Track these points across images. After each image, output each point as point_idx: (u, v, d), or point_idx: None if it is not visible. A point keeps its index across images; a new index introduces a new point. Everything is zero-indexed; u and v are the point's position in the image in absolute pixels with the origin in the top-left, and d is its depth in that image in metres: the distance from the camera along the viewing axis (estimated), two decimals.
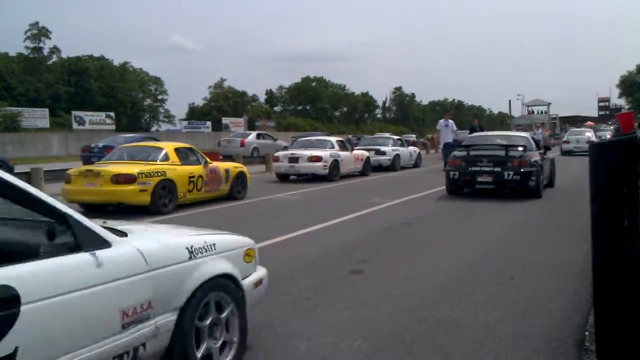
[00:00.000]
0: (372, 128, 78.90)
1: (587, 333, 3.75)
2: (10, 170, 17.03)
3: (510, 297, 4.67)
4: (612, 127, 43.73)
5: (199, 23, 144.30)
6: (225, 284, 3.22)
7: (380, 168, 19.37)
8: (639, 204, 2.64)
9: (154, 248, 2.81)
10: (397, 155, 20.34)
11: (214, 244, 3.24)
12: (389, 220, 8.75)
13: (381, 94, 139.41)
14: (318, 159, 15.75)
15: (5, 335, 2.01)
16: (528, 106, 79.84)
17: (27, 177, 12.89)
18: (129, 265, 2.61)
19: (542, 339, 3.74)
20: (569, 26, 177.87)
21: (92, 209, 10.10)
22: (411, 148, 23.05)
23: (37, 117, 44.17)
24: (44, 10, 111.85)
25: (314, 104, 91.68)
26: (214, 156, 15.26)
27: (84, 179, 9.67)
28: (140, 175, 9.46)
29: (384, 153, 19.88)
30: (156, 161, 10.14)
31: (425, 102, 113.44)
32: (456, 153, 12.12)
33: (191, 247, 3.05)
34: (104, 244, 2.55)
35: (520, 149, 11.46)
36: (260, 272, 3.76)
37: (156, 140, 17.16)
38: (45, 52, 64.23)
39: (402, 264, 5.91)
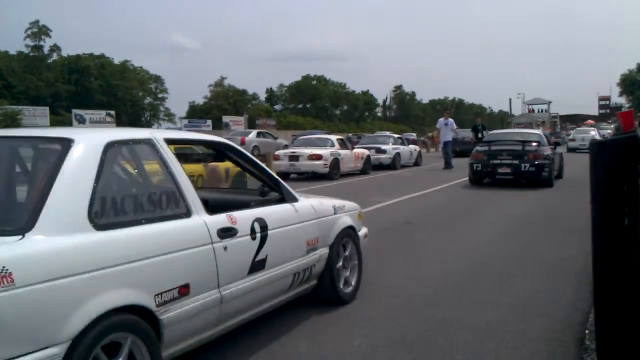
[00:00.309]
0: (373, 126, 78.85)
1: (587, 331, 3.74)
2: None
3: (510, 296, 4.67)
4: (612, 126, 43.78)
5: (200, 21, 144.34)
6: (350, 232, 4.63)
7: (380, 166, 19.37)
8: (639, 203, 2.64)
9: (316, 204, 4.29)
10: (398, 154, 20.33)
11: (344, 206, 4.69)
12: (389, 219, 8.75)
13: (381, 93, 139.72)
14: (318, 157, 15.74)
15: (262, 247, 3.47)
16: (528, 105, 79.72)
17: None
18: (308, 212, 4.09)
19: (542, 338, 3.73)
20: (569, 25, 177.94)
21: None
22: (411, 146, 23.05)
23: (38, 115, 44.12)
24: (44, 9, 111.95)
25: (315, 102, 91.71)
26: None
27: None
28: None
29: (384, 151, 19.88)
30: None
31: (425, 100, 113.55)
32: (479, 148, 13.72)
33: (334, 206, 4.51)
34: (296, 200, 4.04)
35: (535, 144, 12.95)
36: (365, 228, 5.07)
37: None
38: (46, 50, 64.34)
39: (402, 262, 5.91)
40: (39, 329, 2.11)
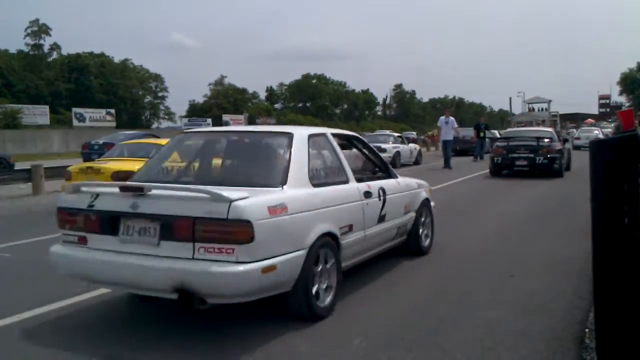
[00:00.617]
0: (373, 125, 78.84)
1: (587, 330, 3.75)
2: (10, 167, 17.06)
3: (510, 295, 4.67)
4: (612, 125, 43.88)
5: (199, 20, 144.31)
6: (427, 202, 6.27)
7: None
8: (639, 202, 2.64)
9: (408, 181, 5.99)
10: (398, 153, 20.32)
11: (422, 183, 6.36)
12: None
13: (382, 91, 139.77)
14: None
15: (384, 206, 5.03)
16: (528, 103, 79.59)
17: (27, 174, 12.93)
18: (405, 186, 5.77)
19: (542, 337, 3.74)
20: (570, 23, 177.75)
21: None
22: (412, 145, 23.04)
23: (38, 114, 44.18)
24: (44, 7, 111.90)
25: (315, 101, 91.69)
26: None
27: (84, 176, 9.66)
28: None
29: (384, 150, 19.81)
30: None
31: (425, 99, 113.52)
32: (499, 143, 16.18)
33: (417, 183, 6.21)
34: (397, 177, 5.73)
35: (547, 140, 15.16)
36: (433, 202, 6.53)
37: (157, 137, 17.16)
38: (46, 49, 64.37)
39: (401, 261, 5.91)
40: (295, 238, 3.82)
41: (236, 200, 3.47)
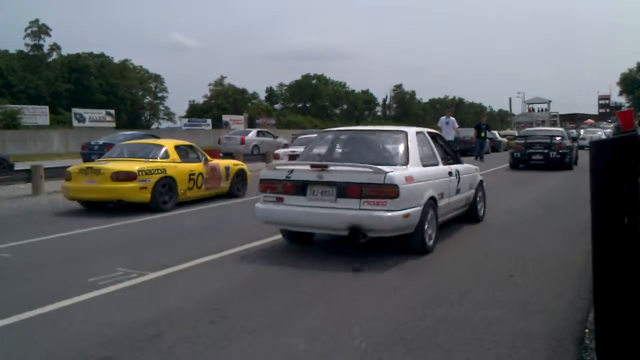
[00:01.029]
0: (373, 125, 78.81)
1: (587, 330, 3.75)
2: (10, 167, 17.05)
3: (510, 295, 4.67)
4: (612, 125, 44.00)
5: (199, 20, 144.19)
6: (482, 182, 8.39)
7: None
8: (639, 202, 2.64)
9: (470, 166, 8.27)
10: None
11: (477, 168, 8.55)
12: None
13: (381, 92, 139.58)
14: None
15: (459, 184, 7.20)
16: (528, 104, 79.63)
17: (27, 174, 12.93)
18: (469, 169, 7.95)
19: (542, 337, 3.74)
20: (569, 24, 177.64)
21: (92, 207, 10.10)
22: None
23: (37, 114, 44.08)
24: (44, 8, 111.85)
25: (314, 101, 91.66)
26: (214, 154, 15.23)
27: (84, 177, 9.67)
28: (140, 172, 9.46)
29: None
30: (156, 159, 10.14)
31: (425, 99, 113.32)
32: (517, 141, 19.13)
33: (475, 168, 8.37)
34: (462, 162, 7.81)
35: (559, 138, 18.07)
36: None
37: (156, 137, 17.16)
38: (46, 49, 64.24)
39: (402, 261, 5.91)
40: (417, 198, 5.83)
41: (388, 172, 5.64)
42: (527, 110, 77.20)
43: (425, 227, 6.04)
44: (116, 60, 71.76)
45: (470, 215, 8.04)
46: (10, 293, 4.99)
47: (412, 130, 6.71)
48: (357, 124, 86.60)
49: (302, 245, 6.70)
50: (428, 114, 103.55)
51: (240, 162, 13.04)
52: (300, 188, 5.95)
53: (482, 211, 8.42)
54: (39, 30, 62.25)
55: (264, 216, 6.38)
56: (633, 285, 2.68)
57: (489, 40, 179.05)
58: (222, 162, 11.92)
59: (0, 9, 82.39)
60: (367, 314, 4.23)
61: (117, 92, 66.91)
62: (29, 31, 61.98)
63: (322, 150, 7.11)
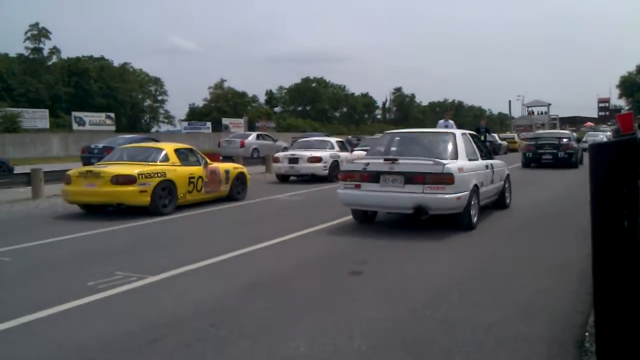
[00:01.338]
0: (372, 129, 78.79)
1: (587, 334, 3.75)
2: (10, 171, 17.05)
3: (510, 298, 4.67)
4: (611, 128, 44.23)
5: (199, 24, 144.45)
6: (508, 175, 10.24)
7: None
8: (638, 204, 2.64)
9: (500, 161, 10.02)
10: None
11: (504, 163, 10.28)
12: (389, 221, 8.75)
13: (381, 95, 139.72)
14: (318, 159, 15.74)
15: (493, 175, 8.97)
16: (528, 107, 79.87)
17: (27, 177, 12.93)
18: (500, 164, 9.80)
19: (542, 340, 3.73)
20: (569, 27, 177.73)
21: (92, 210, 10.10)
22: None
23: (37, 117, 44.13)
24: (44, 11, 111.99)
25: (314, 104, 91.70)
26: (214, 157, 15.26)
27: (83, 180, 9.67)
28: (140, 176, 9.46)
29: None
30: (156, 162, 10.14)
31: (425, 102, 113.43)
32: (529, 142, 21.90)
33: (503, 163, 10.10)
34: (494, 159, 9.79)
35: (566, 140, 20.65)
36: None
37: (156, 141, 17.16)
38: (45, 52, 64.22)
39: (402, 264, 5.91)
40: (466, 185, 7.57)
41: (446, 164, 7.35)
42: (526, 114, 77.35)
43: (471, 208, 7.78)
44: (116, 63, 71.86)
45: (499, 202, 9.76)
46: (10, 296, 4.98)
47: (459, 132, 8.76)
48: (357, 127, 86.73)
49: (365, 224, 8.45)
50: (428, 117, 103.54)
51: (240, 166, 13.04)
52: (374, 177, 7.69)
53: (508, 199, 10.16)
54: (39, 33, 62.26)
55: (345, 200, 8.11)
56: (633, 288, 2.68)
57: (488, 43, 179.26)
58: (221, 166, 11.93)
59: (0, 12, 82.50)
60: (367, 315, 4.23)
61: (117, 95, 66.93)
62: (29, 34, 62.00)
63: (385, 147, 8.77)
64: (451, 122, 19.12)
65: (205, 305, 4.60)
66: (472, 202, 7.77)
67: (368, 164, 7.87)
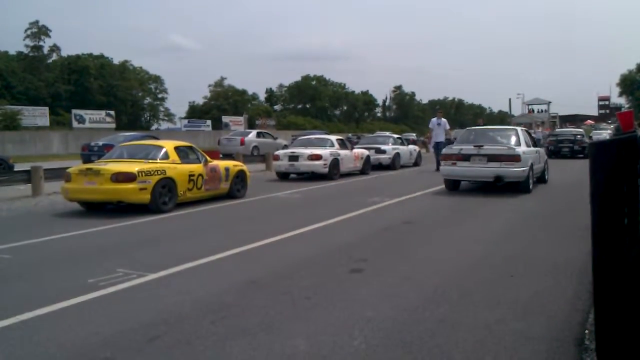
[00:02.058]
0: (372, 127, 78.85)
1: (587, 332, 3.75)
2: (10, 168, 17.05)
3: (510, 296, 4.67)
4: (612, 126, 44.36)
5: (199, 22, 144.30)
6: (547, 159, 14.51)
7: (380, 167, 19.36)
8: (639, 203, 2.64)
9: (542, 149, 14.86)
10: (397, 154, 20.31)
11: (544, 151, 16.07)
12: (389, 219, 8.75)
13: (381, 93, 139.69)
14: (318, 157, 15.74)
15: (539, 158, 13.31)
16: (528, 105, 79.82)
17: (27, 175, 12.93)
18: (542, 150, 14.84)
19: (542, 338, 3.73)
20: (569, 25, 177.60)
21: (92, 208, 10.10)
22: (411, 147, 23.00)
23: (37, 115, 44.13)
24: (43, 9, 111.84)
25: (314, 102, 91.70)
26: (214, 155, 15.25)
27: (83, 178, 9.67)
28: (140, 173, 9.46)
29: (384, 152, 19.85)
30: (156, 160, 10.14)
31: (425, 100, 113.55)
32: (550, 139, 28.32)
33: (543, 150, 15.62)
34: (539, 147, 14.61)
35: (580, 136, 27.36)
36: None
37: (156, 138, 17.15)
38: (45, 50, 64.27)
39: (401, 263, 5.91)
40: (526, 162, 11.67)
41: (515, 148, 11.50)
42: (526, 112, 77.28)
43: (529, 178, 11.62)
44: (116, 61, 71.88)
45: (540, 178, 13.45)
46: (10, 294, 4.99)
47: (519, 128, 13.32)
48: (357, 125, 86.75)
49: (454, 191, 12.32)
50: (428, 115, 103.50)
51: (240, 163, 13.04)
52: (466, 157, 11.72)
53: (547, 176, 14.02)
54: (38, 31, 62.25)
55: (446, 173, 12.27)
56: (633, 287, 2.68)
57: (488, 41, 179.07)
58: (221, 163, 11.93)
59: (0, 10, 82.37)
60: (367, 314, 4.23)
61: (117, 93, 66.93)
62: (28, 32, 62.03)
63: (468, 138, 12.70)
64: (444, 120, 18.96)
65: (205, 302, 4.60)
66: (530, 174, 11.62)
67: (461, 149, 11.83)
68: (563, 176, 16.12)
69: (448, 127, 19.24)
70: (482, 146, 11.57)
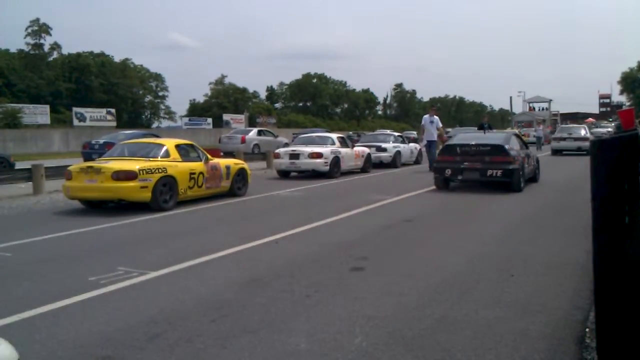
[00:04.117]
0: (373, 125, 78.80)
1: (587, 330, 3.75)
2: (11, 166, 17.06)
3: (510, 294, 4.67)
4: (613, 124, 44.41)
5: (200, 19, 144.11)
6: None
7: (381, 165, 19.34)
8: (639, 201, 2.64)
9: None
10: (398, 152, 20.28)
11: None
12: (390, 217, 8.75)
13: (382, 91, 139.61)
14: (319, 155, 15.74)
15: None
16: (529, 103, 79.62)
17: (28, 173, 12.94)
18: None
19: (542, 336, 3.74)
20: (570, 23, 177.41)
21: (93, 206, 10.11)
22: (412, 145, 22.93)
23: (38, 113, 44.14)
24: (44, 7, 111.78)
25: (315, 100, 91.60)
26: (215, 153, 15.25)
27: (84, 176, 9.67)
28: (141, 171, 9.46)
29: (384, 150, 19.82)
30: (157, 158, 10.14)
31: (426, 98, 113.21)
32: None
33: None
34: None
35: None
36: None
37: (157, 136, 17.16)
38: (46, 48, 64.18)
39: (402, 261, 5.91)
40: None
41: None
42: (527, 109, 77.14)
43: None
44: (117, 59, 71.74)
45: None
46: (11, 292, 5.00)
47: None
48: (358, 123, 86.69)
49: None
50: (428, 113, 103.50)
51: (241, 161, 13.04)
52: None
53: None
54: (39, 29, 62.18)
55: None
56: (634, 285, 2.68)
57: (489, 39, 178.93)
58: (222, 161, 11.92)
59: (0, 8, 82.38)
60: (368, 312, 4.23)
61: (118, 91, 66.89)
62: (29, 30, 61.94)
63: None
64: (436, 117, 18.57)
65: (207, 300, 4.60)
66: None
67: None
68: (564, 174, 16.47)
69: (440, 125, 18.58)
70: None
